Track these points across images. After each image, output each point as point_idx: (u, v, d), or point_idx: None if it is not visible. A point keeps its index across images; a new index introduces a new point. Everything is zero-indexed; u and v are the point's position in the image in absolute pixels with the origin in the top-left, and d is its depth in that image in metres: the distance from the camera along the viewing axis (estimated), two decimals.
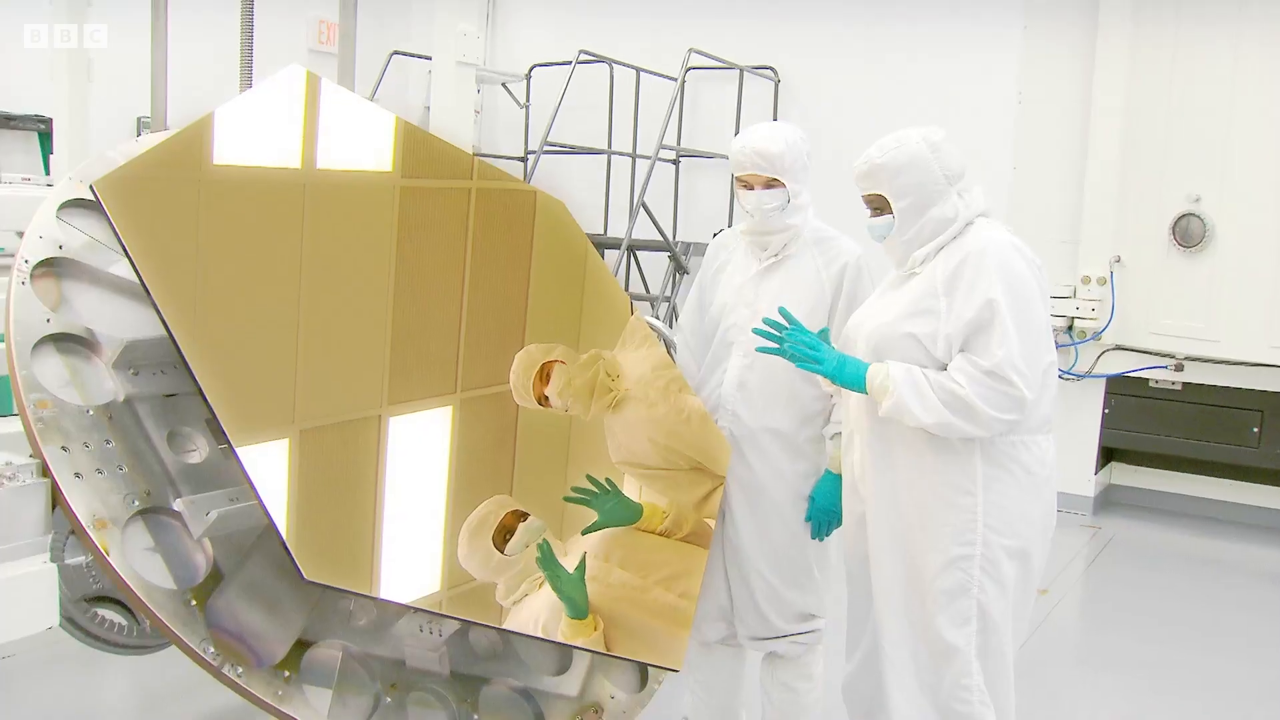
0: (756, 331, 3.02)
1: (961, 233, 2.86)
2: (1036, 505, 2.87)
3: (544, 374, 3.35)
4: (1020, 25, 7.61)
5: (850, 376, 2.85)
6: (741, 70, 8.27)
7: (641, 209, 7.62)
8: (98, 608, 3.01)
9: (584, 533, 3.19)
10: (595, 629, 2.99)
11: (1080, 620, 5.95)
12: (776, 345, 2.96)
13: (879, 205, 2.91)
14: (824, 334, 2.98)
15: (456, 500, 3.13)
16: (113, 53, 5.22)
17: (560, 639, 2.94)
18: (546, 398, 3.35)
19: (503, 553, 2.97)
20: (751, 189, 3.34)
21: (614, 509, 3.24)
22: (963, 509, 2.81)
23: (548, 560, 2.97)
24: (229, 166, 2.98)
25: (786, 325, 2.96)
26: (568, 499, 3.20)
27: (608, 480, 3.24)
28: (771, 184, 3.32)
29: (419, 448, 3.21)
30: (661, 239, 7.91)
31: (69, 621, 2.98)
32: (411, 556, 2.97)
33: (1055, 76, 7.52)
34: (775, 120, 8.25)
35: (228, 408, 2.56)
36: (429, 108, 5.79)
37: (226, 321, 2.78)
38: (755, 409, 3.41)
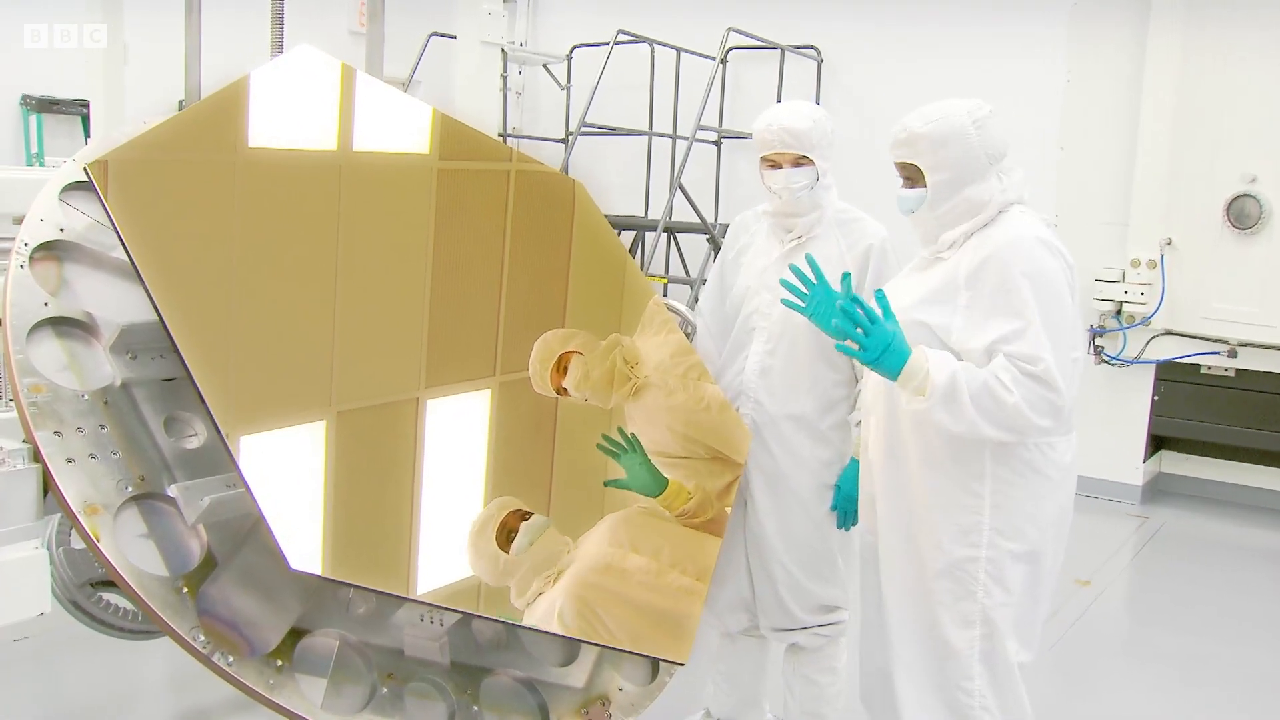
0: (783, 284, 2.85)
1: (993, 220, 2.73)
2: (1048, 508, 2.75)
3: (561, 366, 3.32)
4: (1069, 1, 7.41)
5: (888, 367, 2.62)
6: (783, 50, 8.15)
7: (679, 190, 7.55)
8: (102, 592, 3.01)
9: (606, 484, 3.21)
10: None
11: (1125, 612, 5.82)
12: (802, 304, 2.80)
13: (912, 176, 2.78)
14: (879, 297, 2.68)
15: (495, 484, 3.12)
16: (152, 36, 5.23)
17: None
18: (565, 388, 3.31)
19: (508, 553, 2.94)
20: (779, 168, 3.26)
21: (639, 469, 3.21)
22: (969, 510, 2.71)
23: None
24: (231, 148, 2.94)
25: (813, 280, 2.77)
26: (599, 447, 3.21)
27: (634, 437, 3.22)
28: (800, 162, 3.24)
29: (457, 431, 3.19)
30: (700, 220, 7.82)
31: (74, 605, 2.98)
32: (448, 540, 2.95)
33: (1104, 54, 7.32)
34: (817, 101, 8.15)
35: (240, 394, 2.56)
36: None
37: (244, 305, 2.77)
38: (777, 396, 3.35)
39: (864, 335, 2.59)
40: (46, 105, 7.25)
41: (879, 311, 2.62)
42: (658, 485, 3.22)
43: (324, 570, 2.50)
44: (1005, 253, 2.64)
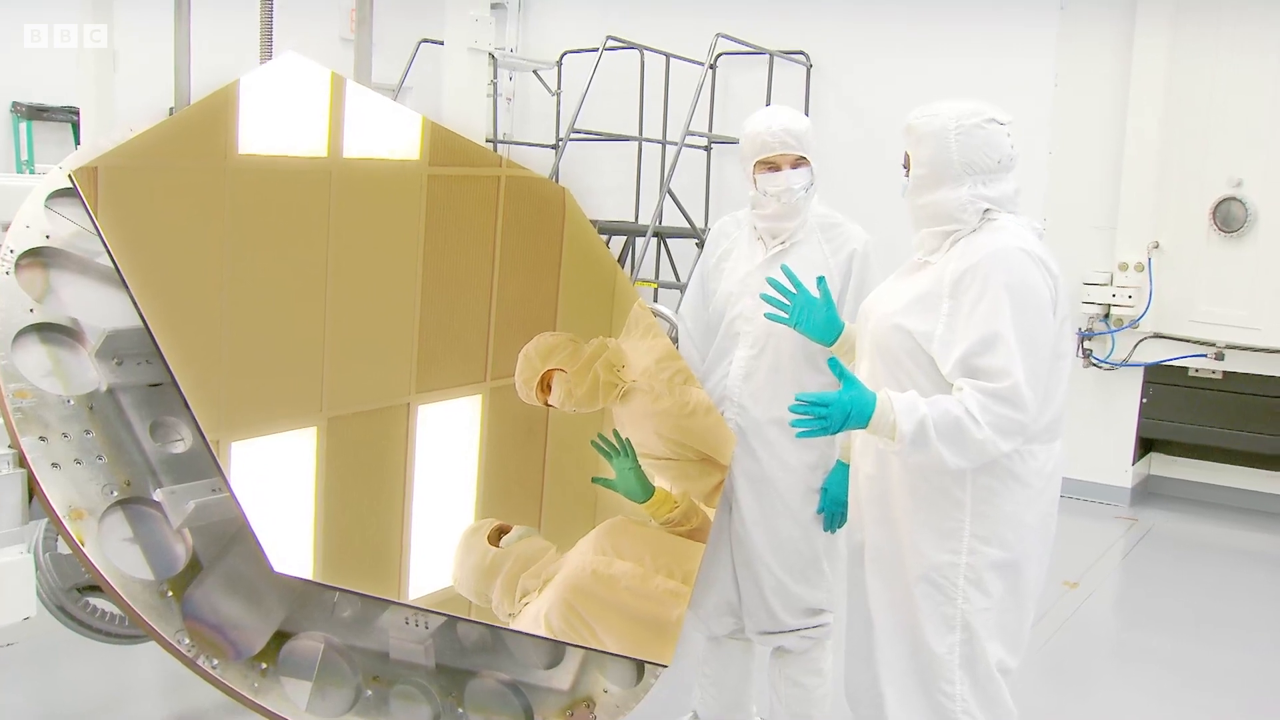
0: (764, 298, 2.93)
1: (979, 228, 2.73)
2: (1030, 516, 2.74)
3: (544, 385, 3.33)
4: (1057, 5, 7.44)
5: (856, 426, 2.64)
6: (771, 55, 8.17)
7: (669, 195, 7.56)
8: (88, 596, 3.02)
9: (594, 481, 3.23)
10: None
11: (1114, 614, 5.83)
12: (786, 315, 2.89)
13: (907, 164, 2.83)
14: (833, 365, 2.70)
15: (486, 489, 3.12)
16: (143, 43, 5.24)
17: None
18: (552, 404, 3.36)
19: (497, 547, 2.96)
20: (778, 170, 3.26)
21: (628, 474, 3.22)
22: (950, 515, 2.71)
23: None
24: (219, 155, 2.96)
25: (793, 290, 2.85)
26: (593, 444, 3.22)
27: (628, 442, 3.23)
28: (798, 163, 3.26)
29: (448, 436, 3.20)
30: (689, 225, 7.84)
31: (60, 610, 2.99)
32: (440, 544, 2.96)
33: (1093, 58, 7.34)
34: (806, 107, 8.18)
35: (232, 400, 2.57)
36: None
37: (233, 311, 2.78)
38: (762, 401, 3.35)
39: (822, 420, 2.60)
40: (36, 112, 7.25)
41: (835, 381, 2.65)
42: (644, 492, 3.23)
43: (315, 575, 2.52)
44: (988, 262, 2.63)
